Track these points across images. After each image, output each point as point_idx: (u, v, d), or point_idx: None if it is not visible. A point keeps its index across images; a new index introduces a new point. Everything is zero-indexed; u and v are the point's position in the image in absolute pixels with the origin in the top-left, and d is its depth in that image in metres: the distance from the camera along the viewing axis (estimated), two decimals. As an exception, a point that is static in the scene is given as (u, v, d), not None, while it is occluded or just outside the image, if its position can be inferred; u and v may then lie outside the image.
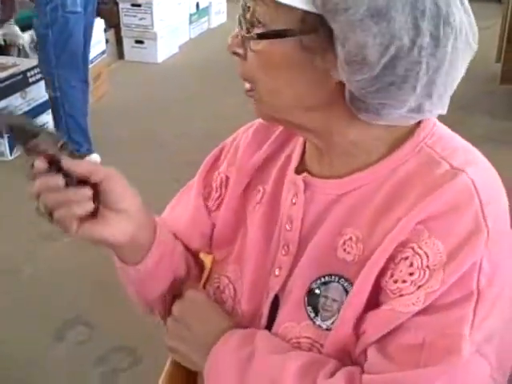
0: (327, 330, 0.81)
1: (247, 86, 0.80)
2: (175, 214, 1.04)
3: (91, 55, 4.48)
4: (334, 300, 0.81)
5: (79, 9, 3.42)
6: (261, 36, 0.74)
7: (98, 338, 2.45)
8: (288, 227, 0.87)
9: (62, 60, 3.45)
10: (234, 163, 0.97)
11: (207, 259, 1.02)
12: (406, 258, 0.75)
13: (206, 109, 4.43)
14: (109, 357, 2.36)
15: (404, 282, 0.75)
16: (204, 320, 0.89)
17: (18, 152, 3.87)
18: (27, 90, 3.93)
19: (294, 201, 0.87)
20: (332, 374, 0.78)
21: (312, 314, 0.83)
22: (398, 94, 0.73)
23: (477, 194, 0.75)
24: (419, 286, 0.74)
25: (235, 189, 0.96)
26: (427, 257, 0.74)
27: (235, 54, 0.79)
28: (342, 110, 0.77)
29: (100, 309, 2.58)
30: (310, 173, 0.87)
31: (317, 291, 0.83)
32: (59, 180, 0.78)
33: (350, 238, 0.81)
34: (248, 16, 0.75)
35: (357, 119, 0.77)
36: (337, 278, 0.81)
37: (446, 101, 0.78)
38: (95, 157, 3.71)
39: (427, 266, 0.74)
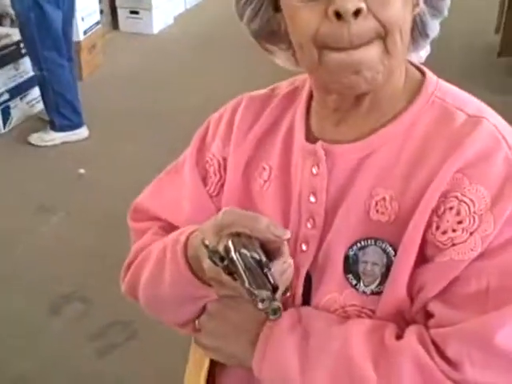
0: (373, 294, 0.80)
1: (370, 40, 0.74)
2: (167, 203, 0.98)
3: (86, 25, 4.43)
4: (375, 263, 0.80)
5: None
6: None
7: (93, 313, 2.46)
8: (312, 199, 0.84)
9: (47, 42, 3.48)
10: (229, 142, 0.93)
11: None
12: (452, 208, 0.76)
13: (201, 81, 4.38)
14: (105, 331, 2.37)
15: (454, 231, 0.75)
16: (240, 310, 0.84)
17: (11, 124, 3.84)
18: (20, 61, 3.88)
19: (314, 171, 0.84)
20: (397, 335, 0.78)
21: (354, 281, 0.81)
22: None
23: (503, 138, 0.78)
24: (471, 232, 0.74)
25: (236, 169, 0.92)
26: (473, 203, 0.75)
27: (358, 12, 0.71)
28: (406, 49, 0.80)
29: (95, 284, 2.57)
30: (323, 140, 0.85)
31: (355, 257, 0.81)
32: None
33: (383, 198, 0.80)
34: None
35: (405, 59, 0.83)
36: (373, 241, 0.80)
37: None
38: (84, 130, 3.73)
39: (475, 212, 0.75)
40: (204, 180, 0.95)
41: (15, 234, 2.89)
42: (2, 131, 3.80)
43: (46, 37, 3.45)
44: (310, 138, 0.86)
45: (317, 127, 0.87)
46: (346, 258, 0.81)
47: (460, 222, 0.75)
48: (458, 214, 0.75)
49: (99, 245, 2.76)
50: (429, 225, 0.77)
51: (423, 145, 0.79)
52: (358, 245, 0.81)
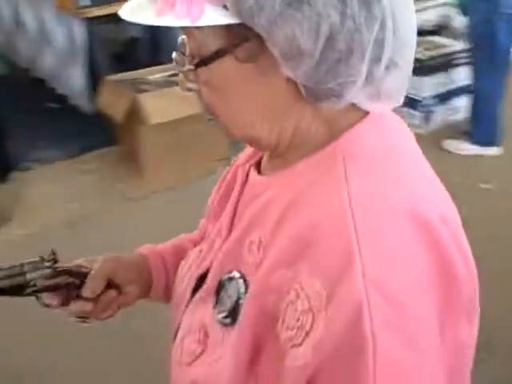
0: (217, 321, 0.78)
1: (210, 115, 0.78)
2: None
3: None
4: (229, 296, 0.78)
5: (510, 10, 3.41)
6: (197, 65, 0.72)
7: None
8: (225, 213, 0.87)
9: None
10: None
11: None
12: (293, 302, 0.67)
13: None
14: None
15: (292, 329, 0.67)
16: None
17: (430, 128, 4.02)
18: (451, 70, 4.03)
19: (236, 189, 0.87)
20: None
21: (215, 303, 0.80)
22: (349, 68, 0.68)
23: (353, 221, 0.65)
24: (306, 334, 0.65)
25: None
26: (308, 299, 0.66)
27: (190, 90, 0.76)
28: (304, 106, 0.73)
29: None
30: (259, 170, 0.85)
31: (222, 283, 0.80)
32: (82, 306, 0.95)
33: (253, 241, 0.76)
34: (186, 51, 0.73)
35: (318, 111, 0.73)
36: (238, 276, 0.77)
37: (402, 71, 0.72)
38: (495, 150, 3.72)
39: (310, 309, 0.65)
40: None
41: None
42: (423, 133, 3.98)
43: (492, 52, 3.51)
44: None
45: (264, 159, 0.87)
46: (220, 281, 0.80)
47: (297, 320, 0.66)
48: (296, 310, 0.67)
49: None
50: (277, 314, 0.69)
51: (293, 203, 0.72)
52: (230, 274, 0.78)
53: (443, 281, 0.67)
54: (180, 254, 1.02)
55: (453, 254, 0.69)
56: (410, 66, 0.74)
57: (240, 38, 0.68)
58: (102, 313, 0.98)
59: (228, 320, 0.77)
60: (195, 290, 0.87)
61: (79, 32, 3.83)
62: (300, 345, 0.66)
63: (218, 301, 0.80)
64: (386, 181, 0.70)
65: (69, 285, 0.94)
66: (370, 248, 0.64)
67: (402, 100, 0.76)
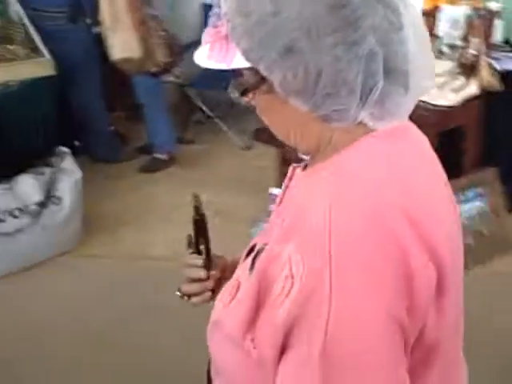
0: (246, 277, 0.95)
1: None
2: None
3: None
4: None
5: None
6: (242, 94, 0.92)
7: None
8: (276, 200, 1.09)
9: None
10: None
11: None
12: (282, 270, 0.84)
13: None
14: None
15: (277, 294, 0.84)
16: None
17: None
18: None
19: (286, 180, 1.08)
20: None
21: (250, 266, 0.95)
22: (341, 99, 0.84)
23: (329, 220, 0.82)
24: (286, 296, 0.82)
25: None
26: (291, 268, 0.82)
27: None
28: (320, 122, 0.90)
29: None
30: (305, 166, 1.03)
31: (258, 252, 0.96)
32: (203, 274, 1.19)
33: (278, 222, 0.96)
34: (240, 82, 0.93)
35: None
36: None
37: (409, 94, 0.88)
38: None
39: (290, 276, 0.82)
40: None
41: None
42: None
43: None
44: None
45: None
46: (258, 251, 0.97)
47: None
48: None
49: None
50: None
51: (304, 199, 0.91)
52: (264, 246, 0.94)
53: (397, 270, 0.81)
54: None
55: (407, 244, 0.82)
56: (418, 90, 0.88)
57: (261, 77, 0.87)
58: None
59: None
60: (247, 255, 1.05)
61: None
62: (280, 306, 0.83)
63: (252, 266, 0.95)
64: (359, 189, 0.86)
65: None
66: (338, 236, 0.81)
67: (406, 116, 0.92)
